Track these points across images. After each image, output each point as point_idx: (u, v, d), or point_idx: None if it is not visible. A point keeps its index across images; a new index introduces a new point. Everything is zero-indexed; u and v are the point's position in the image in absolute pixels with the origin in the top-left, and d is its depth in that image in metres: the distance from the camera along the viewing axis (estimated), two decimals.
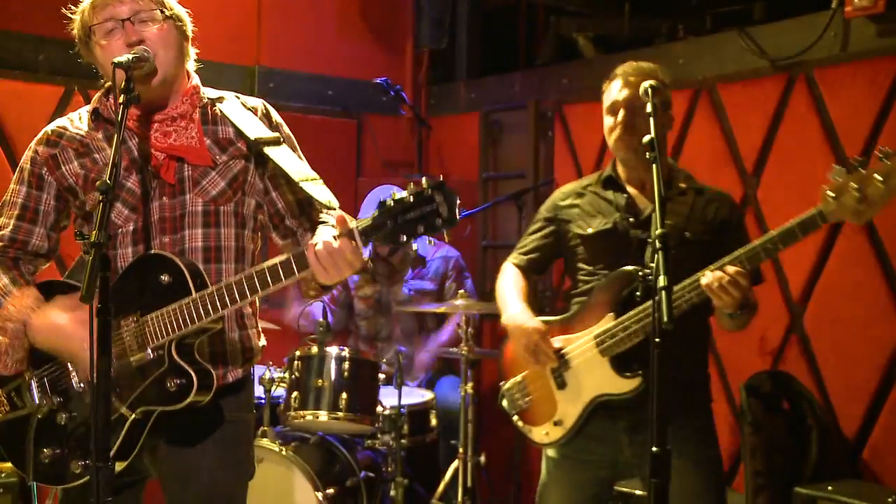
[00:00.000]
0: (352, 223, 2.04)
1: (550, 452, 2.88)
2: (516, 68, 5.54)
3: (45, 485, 2.52)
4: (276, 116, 2.42)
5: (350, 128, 5.47)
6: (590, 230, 2.81)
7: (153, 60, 2.19)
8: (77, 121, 2.37)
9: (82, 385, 2.24)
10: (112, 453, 2.11)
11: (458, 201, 1.95)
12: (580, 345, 2.75)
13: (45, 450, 2.24)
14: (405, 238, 1.96)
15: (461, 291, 4.23)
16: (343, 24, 5.45)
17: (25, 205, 2.33)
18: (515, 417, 2.92)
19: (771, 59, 3.98)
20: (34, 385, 2.28)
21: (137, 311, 2.16)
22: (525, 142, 5.17)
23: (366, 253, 2.08)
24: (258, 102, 2.42)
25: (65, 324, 2.18)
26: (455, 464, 4.21)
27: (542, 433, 2.84)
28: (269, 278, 2.09)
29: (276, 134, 2.34)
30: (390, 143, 5.63)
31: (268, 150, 2.27)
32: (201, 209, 2.28)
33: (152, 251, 2.22)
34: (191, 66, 2.39)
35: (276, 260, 2.10)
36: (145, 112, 2.29)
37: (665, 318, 1.97)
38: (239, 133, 2.32)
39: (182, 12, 2.33)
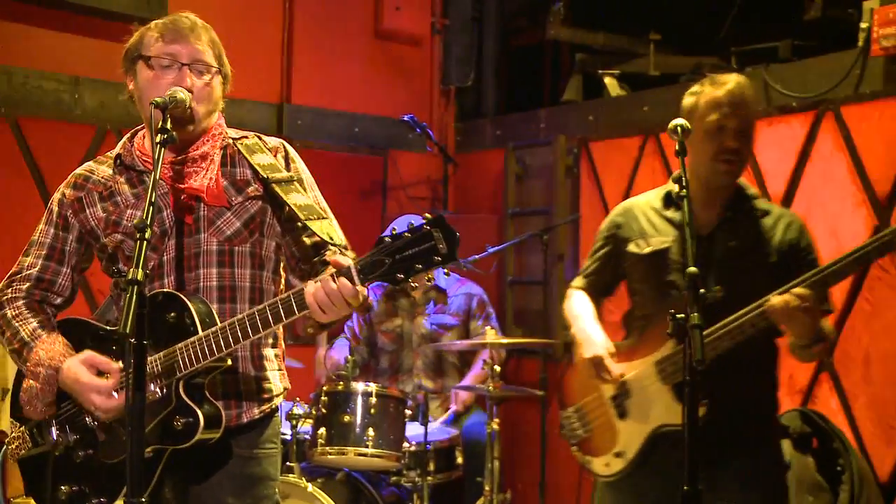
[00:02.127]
0: (349, 261, 2.03)
1: (606, 487, 2.75)
2: (542, 105, 5.57)
3: None
4: (294, 156, 2.43)
5: (377, 164, 5.52)
6: (647, 249, 2.70)
7: (189, 103, 2.22)
8: (104, 165, 2.42)
9: (96, 423, 2.26)
10: (126, 491, 2.14)
11: (458, 235, 1.93)
12: (641, 372, 2.65)
13: (62, 487, 2.27)
14: (402, 276, 1.95)
15: (488, 328, 4.23)
16: (370, 61, 5.52)
17: (53, 245, 2.37)
18: (574, 448, 2.81)
19: (798, 97, 3.99)
20: (54, 422, 2.31)
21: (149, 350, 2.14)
22: (550, 178, 5.19)
23: (371, 296, 2.08)
24: (278, 143, 2.43)
25: (89, 379, 2.21)
26: (481, 501, 4.19)
27: (603, 464, 2.72)
28: (270, 317, 2.10)
29: (289, 174, 2.35)
30: (416, 180, 5.67)
31: (278, 189, 2.27)
32: (216, 248, 2.30)
33: (164, 290, 2.24)
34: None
35: (278, 299, 2.11)
36: (165, 155, 2.31)
37: (697, 357, 1.96)
38: (255, 174, 2.34)
39: (229, 70, 2.38)
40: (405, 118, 5.31)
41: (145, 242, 1.92)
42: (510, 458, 4.71)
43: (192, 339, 2.14)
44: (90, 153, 4.39)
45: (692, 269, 2.11)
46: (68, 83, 4.46)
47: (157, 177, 2.03)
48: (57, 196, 2.41)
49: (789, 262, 2.57)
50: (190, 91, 2.24)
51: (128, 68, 2.36)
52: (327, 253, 2.29)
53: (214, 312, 2.20)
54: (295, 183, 2.32)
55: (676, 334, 2.32)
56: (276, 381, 2.40)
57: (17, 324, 2.32)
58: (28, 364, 2.27)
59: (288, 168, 2.38)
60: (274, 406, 2.39)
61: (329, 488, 3.89)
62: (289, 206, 2.23)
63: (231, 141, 2.39)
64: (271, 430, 2.39)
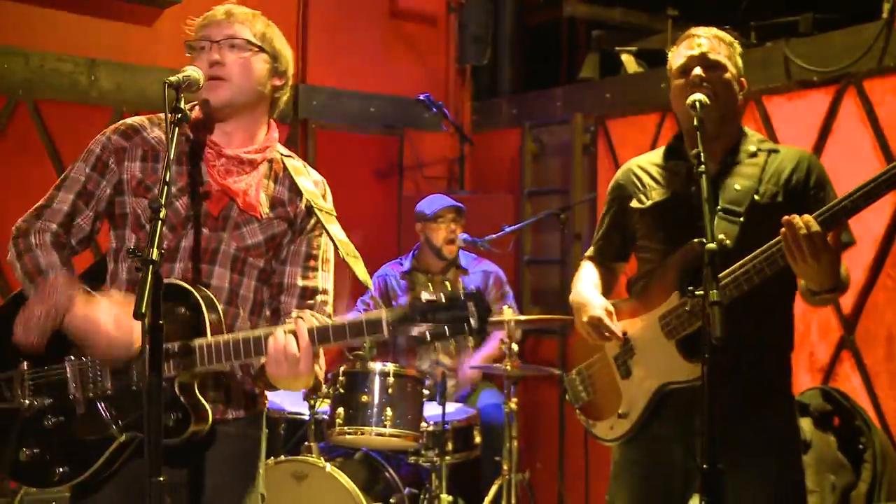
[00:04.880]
0: (382, 315, 2.03)
1: (617, 455, 2.67)
2: (558, 83, 5.53)
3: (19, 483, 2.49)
4: (330, 196, 2.43)
5: (393, 144, 5.50)
6: (648, 203, 2.61)
7: (202, 83, 2.19)
8: (156, 127, 2.36)
9: (74, 395, 2.21)
10: (89, 474, 2.16)
11: (492, 316, 1.98)
12: (644, 328, 2.55)
13: (25, 449, 2.23)
14: (429, 336, 1.98)
15: (506, 307, 4.22)
16: (385, 41, 5.49)
17: (85, 184, 2.31)
18: (578, 411, 2.75)
19: (819, 71, 3.93)
20: (29, 382, 2.25)
21: None
22: (567, 157, 5.16)
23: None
24: (319, 177, 2.44)
25: (105, 320, 2.15)
26: (499, 481, 4.19)
27: (608, 427, 2.64)
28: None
29: (331, 207, 2.36)
30: (433, 160, 5.65)
31: (321, 216, 2.28)
32: (233, 252, 2.29)
33: (174, 280, 2.21)
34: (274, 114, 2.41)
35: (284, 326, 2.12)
36: (218, 143, 2.31)
37: (717, 334, 1.93)
38: (293, 196, 2.34)
39: (284, 54, 2.36)
40: (421, 97, 5.28)
41: (160, 222, 1.91)
42: (528, 438, 4.71)
43: (199, 341, 2.12)
44: None
45: (711, 244, 2.07)
46: (84, 65, 4.46)
47: (171, 157, 2.02)
48: (101, 138, 2.35)
49: (797, 201, 2.44)
50: (220, 63, 2.22)
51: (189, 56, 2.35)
52: (316, 299, 2.33)
53: (222, 319, 2.19)
54: (335, 218, 2.34)
55: (689, 307, 2.29)
56: (259, 393, 2.39)
57: (38, 251, 2.25)
58: (41, 287, 2.19)
59: (325, 201, 2.39)
60: (258, 410, 2.38)
61: (347, 468, 3.90)
62: (330, 234, 2.25)
63: (279, 156, 2.38)
64: (255, 423, 2.39)
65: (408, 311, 2.00)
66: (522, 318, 4.16)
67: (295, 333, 2.08)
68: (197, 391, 2.17)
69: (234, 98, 2.27)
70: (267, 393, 2.43)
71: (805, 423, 3.51)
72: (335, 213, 2.39)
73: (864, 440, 3.54)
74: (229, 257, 2.29)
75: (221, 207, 2.29)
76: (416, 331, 1.99)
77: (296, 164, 2.39)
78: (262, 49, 2.30)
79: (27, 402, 2.24)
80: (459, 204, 4.70)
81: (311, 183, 2.38)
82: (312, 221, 2.34)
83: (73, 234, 2.32)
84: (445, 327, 1.97)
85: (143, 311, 1.80)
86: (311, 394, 3.89)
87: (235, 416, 2.32)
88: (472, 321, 1.96)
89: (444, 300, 1.97)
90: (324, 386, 3.91)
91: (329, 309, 2.38)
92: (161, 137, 2.33)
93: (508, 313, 4.10)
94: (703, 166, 2.24)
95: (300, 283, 2.34)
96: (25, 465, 2.24)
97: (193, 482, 2.27)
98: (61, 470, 2.21)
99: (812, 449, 3.48)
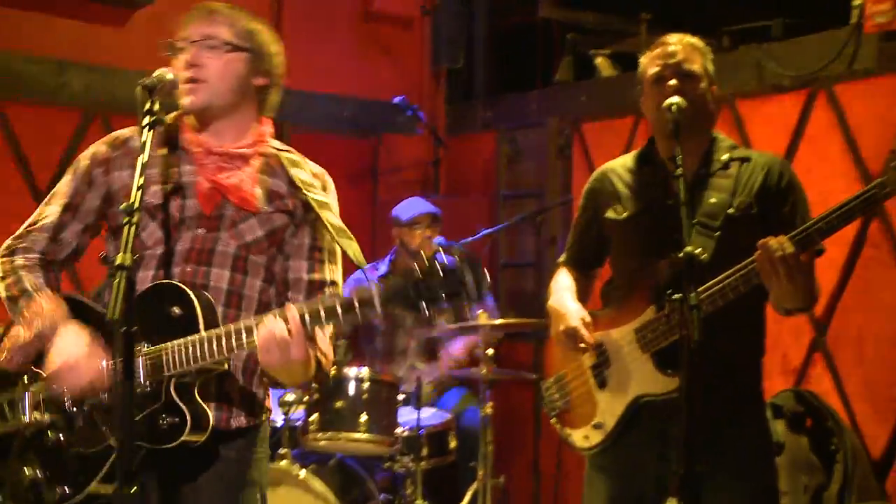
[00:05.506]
0: (374, 290, 1.96)
1: (591, 461, 2.67)
2: (533, 86, 5.54)
3: None
4: (331, 188, 2.36)
5: (367, 147, 5.47)
6: (624, 214, 2.60)
7: (178, 81, 2.16)
8: (144, 135, 2.29)
9: (74, 409, 2.17)
10: (92, 486, 2.10)
11: (487, 280, 1.92)
12: (620, 340, 2.55)
13: (26, 470, 2.17)
14: (426, 309, 1.91)
15: (480, 311, 4.21)
16: (359, 43, 5.46)
17: (73, 198, 2.28)
18: (554, 420, 2.73)
19: (791, 76, 3.96)
20: (28, 399, 2.20)
21: (143, 341, 2.09)
22: (543, 160, 5.16)
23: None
24: (320, 170, 2.37)
25: (71, 354, 2.11)
26: (474, 486, 4.17)
27: (582, 437, 2.63)
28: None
29: (329, 200, 2.29)
30: (407, 163, 5.63)
31: (315, 204, 2.22)
32: (233, 252, 2.23)
33: (169, 280, 2.17)
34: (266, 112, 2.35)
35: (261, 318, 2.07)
36: (207, 142, 2.26)
37: (695, 337, 1.93)
38: (291, 189, 2.27)
39: (270, 51, 2.29)
40: (396, 100, 5.26)
41: (133, 227, 1.87)
42: (503, 442, 4.69)
43: (193, 337, 2.06)
44: (76, 138, 4.34)
45: (689, 248, 2.08)
46: (53, 67, 4.40)
47: (146, 160, 1.98)
48: (89, 151, 2.32)
49: (770, 210, 2.47)
50: (196, 65, 2.18)
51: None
52: (323, 291, 2.25)
53: (219, 315, 2.14)
54: (331, 206, 2.27)
55: (668, 312, 2.30)
56: (263, 397, 2.32)
57: (22, 273, 2.22)
58: (25, 312, 2.16)
59: (324, 193, 2.31)
60: (260, 420, 2.31)
61: (322, 474, 3.87)
62: (322, 220, 2.19)
63: (274, 150, 2.33)
64: (261, 433, 2.33)
65: (401, 283, 1.92)
66: (497, 322, 4.14)
67: (285, 317, 2.02)
68: (197, 395, 2.11)
69: (211, 101, 2.22)
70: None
71: (778, 426, 3.54)
72: (335, 203, 2.32)
73: (836, 441, 3.57)
74: (229, 257, 2.23)
75: (215, 205, 2.23)
76: (411, 304, 1.91)
77: (292, 157, 2.33)
78: (242, 48, 2.24)
79: (27, 420, 2.18)
80: (436, 210, 4.68)
81: (309, 174, 2.31)
82: (314, 213, 2.26)
83: (60, 249, 2.29)
84: (442, 294, 1.89)
85: (116, 316, 1.77)
86: (320, 383, 3.78)
87: (237, 424, 2.25)
88: (470, 286, 1.89)
89: (438, 269, 1.90)
90: (332, 373, 3.78)
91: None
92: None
93: (483, 318, 4.09)
94: (680, 169, 2.25)
95: (306, 276, 2.27)
96: (26, 488, 2.17)
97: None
98: (61, 490, 2.15)
99: (785, 451, 3.50)
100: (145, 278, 2.21)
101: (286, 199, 2.27)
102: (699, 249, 2.38)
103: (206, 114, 2.25)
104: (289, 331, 2.00)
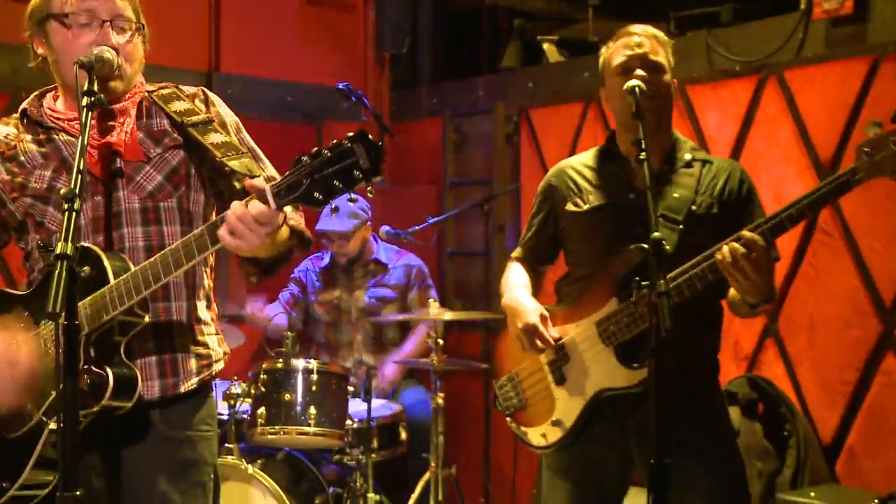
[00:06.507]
0: (263, 184, 1.87)
1: (549, 460, 2.63)
2: (480, 72, 5.46)
3: None
4: (214, 100, 2.28)
5: (310, 134, 5.34)
6: (586, 207, 2.57)
7: (116, 63, 2.07)
8: (8, 124, 2.24)
9: None
10: (27, 472, 1.99)
11: (383, 147, 1.79)
12: (580, 333, 2.51)
13: None
14: (321, 196, 1.80)
15: (431, 300, 4.13)
16: (302, 27, 5.32)
17: None
18: (509, 419, 2.68)
19: (741, 61, 3.95)
20: None
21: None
22: (490, 147, 5.10)
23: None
24: (196, 89, 2.29)
25: None
26: (426, 477, 4.11)
27: (539, 435, 2.58)
28: (182, 256, 1.96)
29: (207, 115, 2.20)
30: None
31: (194, 132, 2.13)
32: (139, 206, 2.15)
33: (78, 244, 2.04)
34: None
35: (191, 235, 1.97)
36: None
37: (666, 325, 1.89)
38: (172, 122, 2.19)
39: (147, 32, 2.22)
40: (340, 86, 5.12)
41: (75, 213, 1.75)
42: (453, 433, 4.64)
43: (102, 290, 1.97)
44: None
45: (656, 234, 2.04)
46: None
47: (86, 142, 1.87)
48: None
49: (731, 213, 2.48)
50: (115, 49, 2.07)
51: (35, 31, 2.18)
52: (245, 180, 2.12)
53: (130, 265, 2.04)
54: (214, 124, 2.17)
55: (635, 300, 2.25)
56: (215, 344, 2.26)
57: None
58: None
59: (207, 111, 2.23)
60: (214, 372, 2.24)
61: (270, 469, 3.77)
62: (205, 146, 2.09)
63: (147, 93, 2.24)
64: (206, 410, 2.24)
65: (292, 175, 1.82)
66: (448, 316, 4.06)
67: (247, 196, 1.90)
68: (124, 355, 2.00)
69: (126, 88, 2.16)
70: None
71: (733, 412, 3.53)
72: (220, 117, 2.23)
73: (789, 427, 3.58)
74: (137, 213, 2.14)
75: (104, 167, 2.13)
76: (305, 194, 1.80)
77: (165, 93, 2.24)
78: (140, 27, 2.17)
79: None
80: (344, 229, 4.49)
81: (186, 102, 2.22)
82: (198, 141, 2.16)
83: None
84: (337, 182, 1.78)
85: (57, 310, 1.65)
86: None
87: (187, 387, 2.16)
88: (363, 163, 1.77)
89: (327, 151, 1.79)
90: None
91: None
92: (10, 133, 2.20)
93: (435, 308, 4.03)
94: (644, 153, 2.20)
95: (238, 187, 2.16)
96: None
97: (138, 488, 2.11)
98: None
99: (740, 437, 3.49)
100: None
101: (173, 133, 2.20)
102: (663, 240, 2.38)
103: (117, 93, 2.15)
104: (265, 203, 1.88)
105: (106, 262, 2.00)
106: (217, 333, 2.29)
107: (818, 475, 3.55)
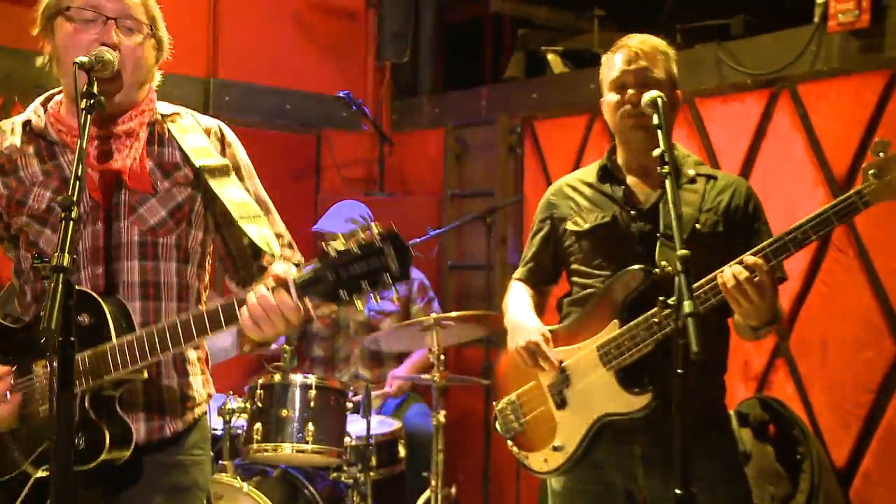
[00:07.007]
0: (289, 274, 1.82)
1: (554, 484, 2.56)
2: (483, 82, 5.38)
3: None
4: (231, 140, 2.18)
5: (309, 143, 5.26)
6: (587, 225, 2.52)
7: (116, 65, 1.96)
8: (9, 133, 2.11)
9: None
10: None
11: (411, 253, 1.75)
12: (581, 357, 2.45)
13: None
14: (346, 295, 1.75)
15: (433, 315, 4.03)
16: (303, 35, 5.25)
17: None
18: (510, 442, 2.61)
19: (752, 74, 3.87)
20: None
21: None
22: (493, 158, 5.00)
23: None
24: (213, 123, 2.18)
25: None
26: (426, 495, 4.00)
27: (541, 460, 2.52)
28: (194, 330, 1.87)
29: (225, 161, 2.10)
30: (351, 160, 5.42)
31: (212, 182, 2.03)
32: (137, 239, 2.03)
33: (76, 287, 1.96)
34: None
35: (205, 311, 1.88)
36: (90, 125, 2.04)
37: (694, 349, 1.79)
38: (185, 157, 2.08)
39: (166, 38, 2.12)
40: (340, 94, 5.06)
41: (72, 223, 1.65)
42: (452, 450, 4.53)
43: (104, 346, 1.87)
44: None
45: (683, 251, 1.94)
46: None
47: (84, 146, 1.76)
48: None
49: (736, 231, 2.43)
50: (116, 49, 1.97)
51: (45, 27, 2.06)
52: (266, 258, 2.07)
53: (133, 317, 1.94)
54: (231, 173, 2.08)
55: (659, 320, 2.17)
56: (200, 387, 2.15)
57: None
58: None
59: (223, 154, 2.12)
60: (198, 415, 2.13)
61: (265, 487, 3.67)
62: (221, 200, 2.01)
63: (161, 117, 2.12)
64: (199, 435, 2.14)
65: (318, 270, 1.76)
66: (453, 315, 3.95)
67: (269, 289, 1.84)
68: (118, 407, 1.91)
69: (126, 96, 2.03)
70: None
71: (745, 434, 3.44)
72: (236, 161, 2.13)
73: (802, 450, 3.49)
74: (135, 246, 2.03)
75: (108, 194, 2.02)
76: (329, 291, 1.75)
77: (182, 124, 2.12)
78: (152, 33, 2.06)
79: None
80: (340, 232, 4.37)
81: (202, 137, 2.11)
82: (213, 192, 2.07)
83: None
84: (362, 283, 1.73)
85: (53, 325, 1.54)
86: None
87: (173, 430, 2.06)
88: (393, 267, 1.72)
89: (356, 249, 1.73)
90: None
91: (297, 253, 2.16)
92: (14, 145, 2.07)
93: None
94: (666, 167, 2.11)
95: (245, 241, 2.08)
96: None
97: None
98: None
99: (752, 460, 3.40)
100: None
101: (184, 169, 2.08)
102: (664, 262, 2.35)
103: (118, 104, 2.04)
104: (288, 293, 1.82)
105: (107, 314, 1.90)
106: (203, 373, 2.19)
107: (833, 501, 3.45)
